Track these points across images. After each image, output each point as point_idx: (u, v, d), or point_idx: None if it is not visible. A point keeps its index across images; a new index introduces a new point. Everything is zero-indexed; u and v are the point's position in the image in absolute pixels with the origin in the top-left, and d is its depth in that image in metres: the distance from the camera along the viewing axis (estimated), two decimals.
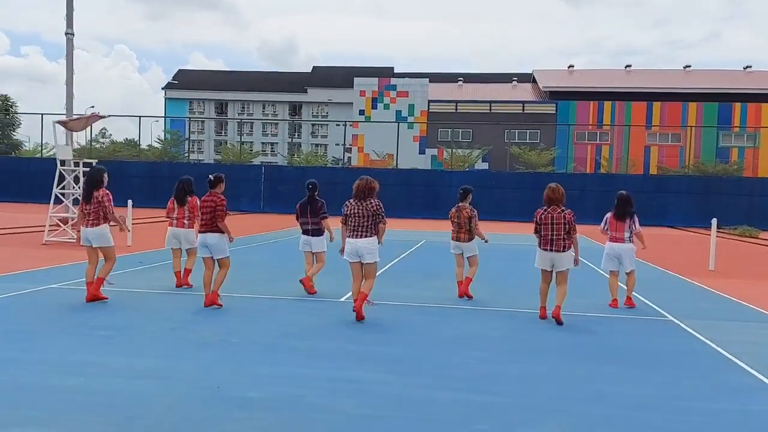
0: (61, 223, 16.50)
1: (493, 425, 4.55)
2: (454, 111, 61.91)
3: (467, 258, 9.70)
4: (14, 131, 57.16)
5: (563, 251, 8.05)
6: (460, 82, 71.72)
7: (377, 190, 7.82)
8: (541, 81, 64.84)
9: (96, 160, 17.41)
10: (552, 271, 8.21)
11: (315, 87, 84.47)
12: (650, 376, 5.93)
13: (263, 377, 5.46)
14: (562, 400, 5.16)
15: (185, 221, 9.81)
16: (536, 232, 8.29)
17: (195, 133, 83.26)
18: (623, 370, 6.09)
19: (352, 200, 7.83)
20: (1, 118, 54.91)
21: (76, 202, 15.59)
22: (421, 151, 59.13)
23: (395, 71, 79.56)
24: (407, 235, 21.90)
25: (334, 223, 9.37)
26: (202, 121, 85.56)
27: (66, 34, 21.27)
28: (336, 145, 75.28)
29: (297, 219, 9.75)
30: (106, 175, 8.76)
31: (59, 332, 6.88)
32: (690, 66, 68.33)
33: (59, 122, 17.05)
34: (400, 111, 60.80)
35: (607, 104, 59.25)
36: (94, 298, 8.35)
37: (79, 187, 15.84)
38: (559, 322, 7.91)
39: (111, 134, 69.25)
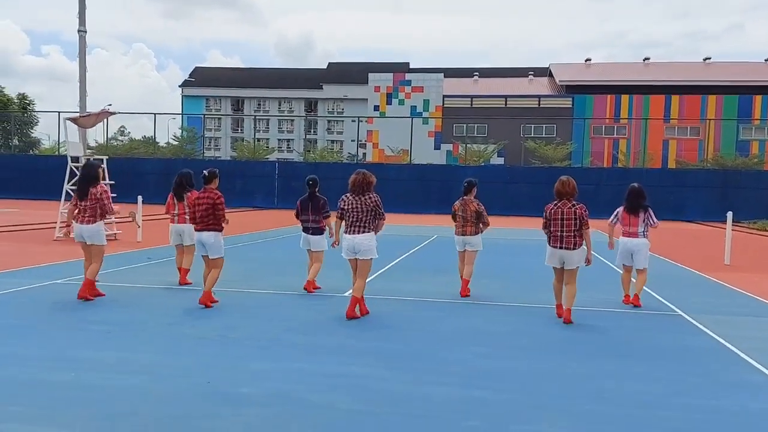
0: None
1: (488, 422, 4.45)
2: (469, 106, 61.52)
3: (469, 253, 9.33)
4: (32, 129, 57.83)
5: (574, 249, 7.65)
6: (476, 77, 71.26)
7: (374, 184, 7.60)
8: (558, 75, 64.21)
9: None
10: (561, 269, 7.85)
11: (330, 83, 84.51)
12: (654, 372, 5.78)
13: (258, 373, 5.40)
14: (560, 397, 5.03)
15: (186, 216, 9.66)
16: (545, 227, 7.90)
17: (212, 130, 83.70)
18: (627, 367, 5.94)
19: (348, 195, 7.58)
20: (19, 116, 55.52)
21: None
22: (437, 147, 58.81)
23: (411, 67, 79.34)
24: (420, 230, 21.80)
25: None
26: (219, 119, 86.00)
27: (79, 31, 21.40)
28: (351, 141, 75.24)
29: (297, 216, 9.49)
30: (101, 170, 8.64)
31: (59, 327, 6.87)
32: (710, 58, 67.31)
33: (70, 119, 17.14)
34: (415, 106, 60.48)
35: (625, 98, 58.52)
36: (88, 298, 8.22)
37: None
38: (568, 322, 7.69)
39: (129, 132, 69.95)
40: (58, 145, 47.49)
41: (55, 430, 4.13)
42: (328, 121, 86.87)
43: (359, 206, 7.48)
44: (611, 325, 7.76)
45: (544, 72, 70.87)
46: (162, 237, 15.94)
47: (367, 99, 64.39)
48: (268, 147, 66.82)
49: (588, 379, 5.55)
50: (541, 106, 60.48)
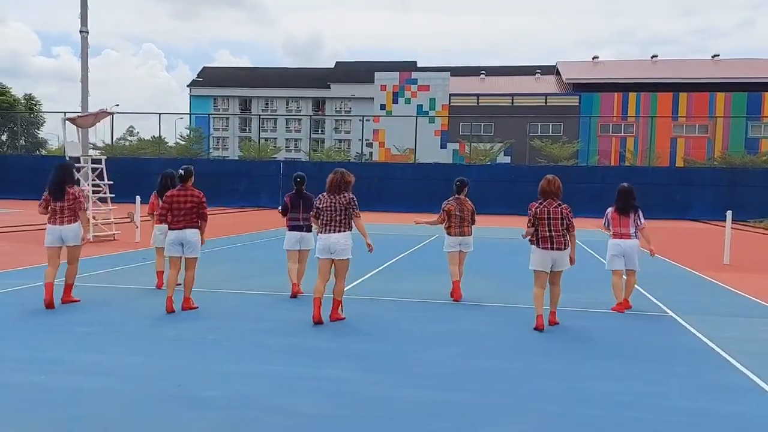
0: None
1: (455, 424, 4.38)
2: (475, 104, 61.29)
3: (463, 254, 9.21)
4: (39, 130, 58.16)
5: (565, 249, 7.48)
6: (483, 76, 71.01)
7: (353, 184, 7.44)
8: (565, 73, 63.86)
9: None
10: (548, 273, 7.56)
11: (338, 82, 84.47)
12: (637, 374, 5.69)
13: (228, 375, 5.34)
14: (536, 398, 4.96)
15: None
16: (532, 225, 7.69)
17: (219, 129, 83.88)
18: (609, 368, 5.86)
19: (324, 194, 7.44)
20: (26, 117, 55.85)
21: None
22: (443, 146, 58.63)
23: (418, 65, 79.17)
24: (423, 229, 21.68)
25: None
26: (227, 118, 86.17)
27: (80, 32, 21.41)
28: (359, 140, 75.18)
29: (284, 214, 9.24)
30: (75, 170, 8.53)
31: (42, 329, 6.85)
32: (718, 55, 66.74)
33: (68, 119, 17.21)
34: (422, 105, 60.33)
35: (632, 95, 58.08)
36: (73, 300, 8.19)
37: (88, 184, 15.92)
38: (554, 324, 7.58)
39: (138, 132, 70.27)
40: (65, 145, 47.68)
41: None
42: (336, 121, 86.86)
43: (334, 205, 7.32)
44: (595, 326, 7.67)
45: (551, 70, 70.47)
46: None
47: (374, 98, 64.30)
48: (275, 146, 66.87)
49: (566, 379, 5.47)
50: (547, 104, 60.14)
